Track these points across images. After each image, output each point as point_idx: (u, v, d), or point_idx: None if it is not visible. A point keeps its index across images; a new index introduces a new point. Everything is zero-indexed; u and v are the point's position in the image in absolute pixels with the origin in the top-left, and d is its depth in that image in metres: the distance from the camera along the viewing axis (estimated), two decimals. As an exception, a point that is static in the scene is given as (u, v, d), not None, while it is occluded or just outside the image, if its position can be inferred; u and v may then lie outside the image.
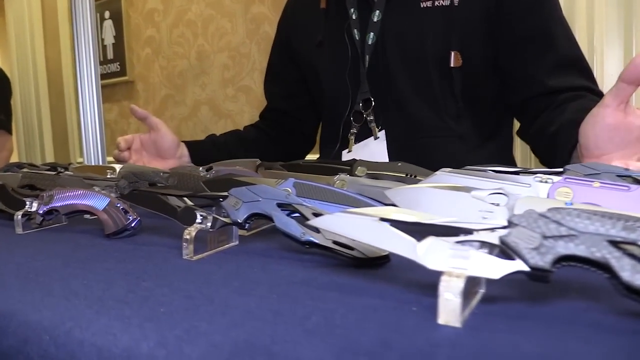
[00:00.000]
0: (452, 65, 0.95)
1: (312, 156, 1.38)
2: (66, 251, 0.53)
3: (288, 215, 0.47)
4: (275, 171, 0.84)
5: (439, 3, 0.95)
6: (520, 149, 1.65)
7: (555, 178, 0.53)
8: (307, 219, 0.46)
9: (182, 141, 1.15)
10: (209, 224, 0.49)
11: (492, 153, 1.02)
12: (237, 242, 0.54)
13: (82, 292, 0.39)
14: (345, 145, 1.07)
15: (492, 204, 0.47)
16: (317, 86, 1.14)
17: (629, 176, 0.53)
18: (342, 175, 0.73)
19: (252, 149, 1.20)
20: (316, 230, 0.46)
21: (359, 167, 0.79)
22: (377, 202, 0.54)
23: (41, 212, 0.64)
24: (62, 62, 2.87)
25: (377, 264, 0.43)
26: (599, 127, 0.67)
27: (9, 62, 3.00)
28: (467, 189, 0.48)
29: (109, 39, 2.59)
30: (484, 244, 0.33)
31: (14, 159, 2.37)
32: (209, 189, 0.65)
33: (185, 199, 0.58)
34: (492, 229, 0.34)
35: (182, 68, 2.43)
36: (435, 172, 0.58)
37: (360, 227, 0.36)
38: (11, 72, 2.80)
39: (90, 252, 0.52)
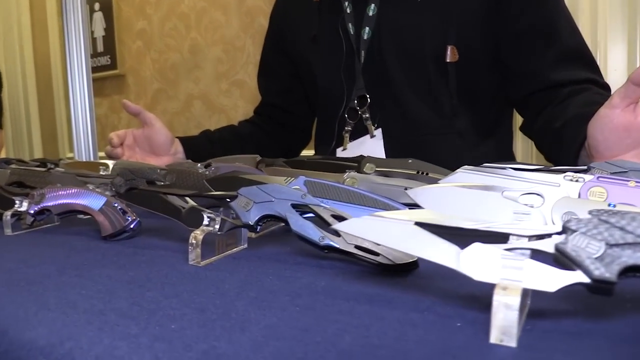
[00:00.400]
0: (448, 60, 0.92)
1: (307, 152, 1.35)
2: (60, 256, 0.48)
3: (302, 216, 0.44)
4: (278, 168, 0.80)
5: None
6: (521, 146, 1.62)
7: (587, 177, 0.50)
8: (326, 221, 0.43)
9: (176, 137, 1.11)
10: (217, 227, 0.46)
11: (491, 150, 0.99)
12: (246, 246, 0.50)
13: (81, 304, 0.35)
14: (340, 143, 1.04)
15: (526, 205, 0.43)
16: (311, 82, 1.11)
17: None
18: (353, 173, 0.69)
19: (247, 145, 1.17)
20: (336, 233, 0.42)
21: (367, 164, 0.75)
22: (398, 204, 0.50)
23: (32, 212, 0.60)
24: (51, 56, 2.80)
25: (404, 270, 0.40)
26: (608, 129, 0.65)
27: (-4, 55, 2.92)
28: (498, 189, 0.45)
29: (99, 31, 2.53)
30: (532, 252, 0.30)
31: (1, 155, 2.30)
32: (213, 187, 0.61)
33: (187, 198, 0.54)
34: (543, 236, 0.30)
35: (175, 62, 2.38)
36: (455, 171, 0.55)
37: (393, 233, 0.33)
38: (-2, 65, 2.73)
39: (87, 257, 0.48)
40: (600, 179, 0.49)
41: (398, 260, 0.39)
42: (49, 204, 0.59)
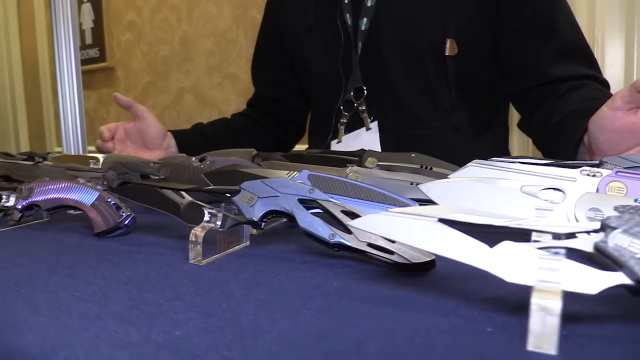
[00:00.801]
0: (447, 53, 0.91)
1: (299, 146, 1.32)
2: (51, 254, 0.45)
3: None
4: (276, 162, 0.77)
5: None
6: (517, 141, 1.61)
7: (604, 171, 0.48)
8: (335, 218, 0.40)
9: (169, 130, 1.08)
10: (219, 223, 0.43)
11: (488, 145, 0.98)
12: (248, 243, 0.47)
13: (75, 307, 0.32)
14: (335, 135, 1.01)
15: (546, 200, 0.41)
16: (306, 73, 1.09)
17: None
18: (356, 167, 0.67)
19: (241, 138, 1.14)
20: (347, 230, 0.39)
21: (369, 158, 0.73)
22: (407, 199, 0.48)
23: (20, 207, 0.56)
24: (39, 49, 2.74)
25: (421, 270, 0.37)
26: (610, 130, 0.64)
27: (-19, 47, 2.85)
28: (516, 184, 0.42)
29: (87, 23, 2.47)
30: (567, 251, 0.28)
31: (-13, 148, 2.25)
32: (211, 182, 0.58)
33: (183, 193, 0.51)
34: (576, 234, 0.28)
35: (165, 54, 2.33)
36: (465, 165, 0.53)
37: (415, 230, 0.30)
38: (-18, 57, 2.66)
39: (79, 255, 0.45)
40: (619, 173, 0.47)
41: (414, 259, 0.37)
42: (38, 198, 0.56)
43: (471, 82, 0.95)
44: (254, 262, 0.41)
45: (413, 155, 0.70)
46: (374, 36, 0.95)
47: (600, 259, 0.27)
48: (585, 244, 0.27)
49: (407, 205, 0.47)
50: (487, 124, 0.99)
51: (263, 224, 0.43)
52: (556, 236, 0.28)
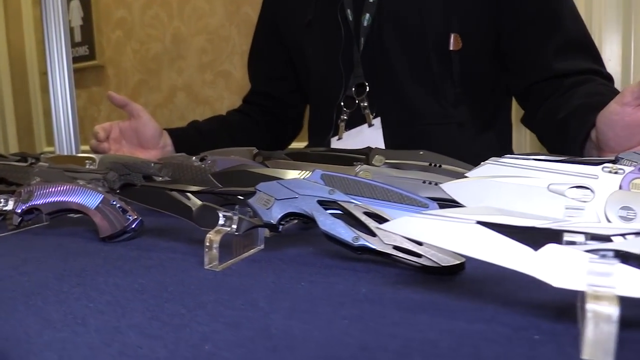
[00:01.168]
0: (451, 48, 0.90)
1: (297, 144, 1.30)
2: (56, 261, 0.43)
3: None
4: (280, 161, 0.75)
5: None
6: (515, 139, 1.60)
7: (627, 168, 0.47)
8: (358, 220, 0.39)
9: (164, 129, 1.05)
10: (234, 226, 0.41)
11: (491, 141, 0.97)
12: (262, 247, 0.45)
13: (91, 320, 0.30)
14: (336, 132, 1.00)
15: (575, 199, 0.40)
16: (306, 69, 1.07)
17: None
18: (365, 166, 0.65)
19: (237, 135, 1.12)
20: (370, 232, 0.38)
21: (376, 156, 0.71)
22: (426, 199, 0.47)
23: (19, 211, 0.54)
24: (26, 47, 2.68)
25: (450, 273, 0.36)
26: (619, 127, 0.63)
27: (-34, 46, 2.79)
28: (542, 182, 0.41)
29: (76, 20, 2.43)
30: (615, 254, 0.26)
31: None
32: (219, 182, 0.56)
33: (189, 195, 0.49)
34: (625, 235, 0.27)
35: (157, 52, 2.30)
36: (482, 163, 0.52)
37: (452, 234, 0.29)
38: (-32, 56, 2.61)
39: (87, 262, 0.43)
40: (643, 170, 0.46)
41: (443, 261, 0.35)
42: (38, 202, 0.54)
43: (475, 78, 0.94)
44: (272, 267, 0.40)
45: (421, 152, 0.68)
46: (376, 32, 0.93)
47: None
48: (636, 245, 0.26)
49: (426, 205, 0.46)
50: (491, 120, 0.98)
51: (281, 226, 0.41)
52: (603, 238, 0.27)
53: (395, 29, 0.93)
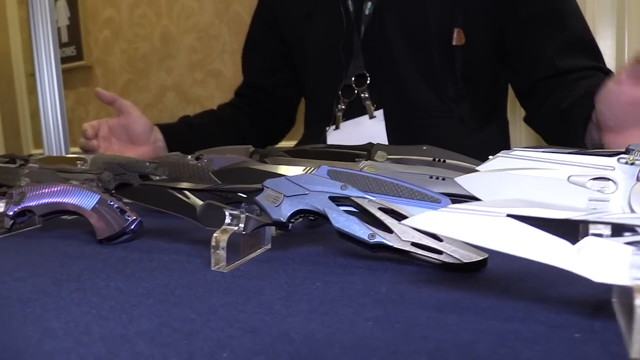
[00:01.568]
0: (454, 43, 0.89)
1: (286, 142, 1.28)
2: (53, 265, 0.41)
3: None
4: (280, 159, 0.73)
5: None
6: (511, 134, 1.60)
7: (644, 159, 0.46)
8: (374, 217, 0.37)
9: (155, 124, 1.03)
10: (242, 225, 0.39)
11: (491, 136, 0.97)
12: (269, 246, 0.43)
13: (95, 328, 0.28)
14: (333, 122, 0.97)
15: (598, 190, 0.38)
16: (304, 60, 1.04)
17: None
18: (369, 162, 0.64)
19: (229, 131, 1.09)
20: (387, 229, 0.36)
21: (378, 152, 0.69)
22: (439, 194, 0.45)
23: (11, 213, 0.52)
24: (12, 48, 2.63)
25: (472, 270, 0.34)
26: (617, 106, 0.63)
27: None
28: (562, 174, 0.40)
29: (63, 20, 2.38)
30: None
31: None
32: (221, 180, 0.54)
33: (187, 193, 0.47)
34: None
35: (145, 51, 2.26)
36: (495, 156, 0.50)
37: (482, 228, 0.27)
38: (-48, 58, 2.55)
39: (85, 265, 0.41)
40: (660, 160, 0.45)
41: (465, 258, 0.34)
42: (31, 203, 0.51)
43: (477, 74, 0.93)
44: (283, 267, 0.38)
45: (424, 147, 0.67)
46: (377, 21, 0.92)
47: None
48: (679, 237, 0.24)
49: (439, 200, 0.44)
50: (490, 116, 0.98)
51: (290, 225, 0.39)
52: (630, 229, 0.25)
53: (397, 20, 0.92)
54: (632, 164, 0.46)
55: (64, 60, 2.34)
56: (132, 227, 0.47)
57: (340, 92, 0.95)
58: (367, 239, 0.36)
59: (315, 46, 1.01)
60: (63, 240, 0.50)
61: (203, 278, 0.36)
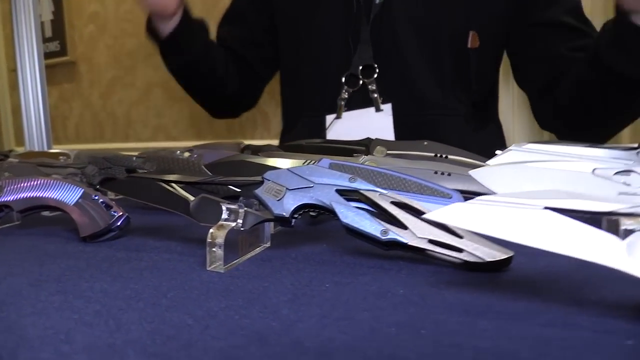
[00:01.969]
0: (469, 46, 0.88)
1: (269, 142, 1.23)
2: (31, 264, 0.37)
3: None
4: (275, 154, 0.70)
5: None
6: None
7: (664, 151, 0.43)
8: (386, 212, 0.34)
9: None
10: (240, 221, 0.36)
11: (491, 134, 0.97)
12: (269, 244, 0.40)
13: (77, 335, 0.24)
14: (334, 110, 0.93)
15: (624, 183, 0.36)
16: (301, 43, 0.99)
17: None
18: (370, 156, 0.61)
19: (223, 66, 1.03)
20: (401, 225, 0.33)
21: (377, 147, 0.66)
22: (449, 189, 0.42)
23: (-14, 209, 0.48)
24: (-9, 41, 2.56)
25: (495, 269, 0.31)
26: None
27: None
28: (586, 167, 0.37)
29: (47, 15, 2.32)
30: None
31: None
32: (214, 174, 0.51)
33: (175, 186, 0.43)
34: None
35: (132, 47, 2.21)
36: (507, 149, 0.47)
37: (517, 223, 0.24)
38: None
39: (67, 265, 0.37)
40: (683, 153, 0.42)
41: (488, 256, 0.31)
42: (9, 198, 0.47)
43: (485, 76, 0.94)
44: (286, 266, 0.34)
45: (425, 143, 0.64)
46: (386, 13, 0.90)
47: None
48: None
49: (450, 195, 0.41)
50: (487, 117, 0.99)
51: (293, 220, 0.36)
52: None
53: (406, 16, 0.90)
54: (652, 157, 0.44)
55: (47, 55, 2.28)
56: (119, 223, 0.44)
57: (343, 79, 0.92)
58: (379, 235, 0.33)
59: (319, 29, 0.96)
60: (43, 238, 0.46)
61: (198, 279, 0.33)
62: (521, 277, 0.31)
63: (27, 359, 0.22)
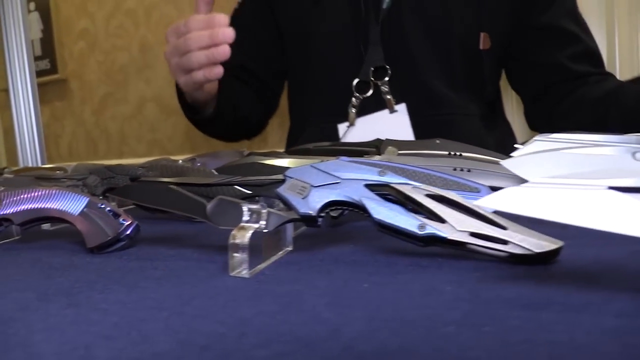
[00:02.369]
0: (481, 47, 0.88)
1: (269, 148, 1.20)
2: (37, 278, 0.35)
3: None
4: (281, 154, 0.68)
5: None
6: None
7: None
8: (421, 205, 0.31)
9: None
10: (263, 222, 0.33)
11: (505, 133, 0.96)
12: (291, 248, 0.38)
13: (98, 350, 0.22)
14: (345, 119, 0.90)
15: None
16: (308, 52, 0.96)
17: None
18: (384, 156, 0.59)
19: (239, 98, 0.99)
20: (439, 219, 0.31)
21: (388, 147, 0.64)
22: (475, 182, 0.40)
23: (-15, 224, 0.45)
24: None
25: (542, 261, 0.29)
26: None
27: None
28: (621, 152, 0.35)
29: (36, 33, 2.29)
30: None
31: None
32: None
33: (179, 187, 0.41)
34: None
35: (123, 62, 2.19)
36: (531, 140, 0.45)
37: (578, 205, 0.22)
38: None
39: (76, 277, 0.34)
40: None
41: (537, 247, 0.28)
42: (9, 211, 0.45)
43: (495, 77, 0.94)
44: (316, 269, 0.32)
45: (438, 141, 0.62)
46: (394, 14, 0.88)
47: None
48: None
49: (478, 189, 0.39)
50: (497, 117, 0.99)
51: (320, 219, 0.34)
52: None
53: (415, 15, 0.88)
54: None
55: (38, 74, 2.25)
56: (128, 232, 0.41)
57: (354, 84, 0.89)
58: (416, 231, 0.30)
59: (327, 35, 0.93)
60: (47, 251, 0.43)
61: (222, 285, 0.30)
62: (573, 268, 0.29)
63: (45, 378, 0.19)
